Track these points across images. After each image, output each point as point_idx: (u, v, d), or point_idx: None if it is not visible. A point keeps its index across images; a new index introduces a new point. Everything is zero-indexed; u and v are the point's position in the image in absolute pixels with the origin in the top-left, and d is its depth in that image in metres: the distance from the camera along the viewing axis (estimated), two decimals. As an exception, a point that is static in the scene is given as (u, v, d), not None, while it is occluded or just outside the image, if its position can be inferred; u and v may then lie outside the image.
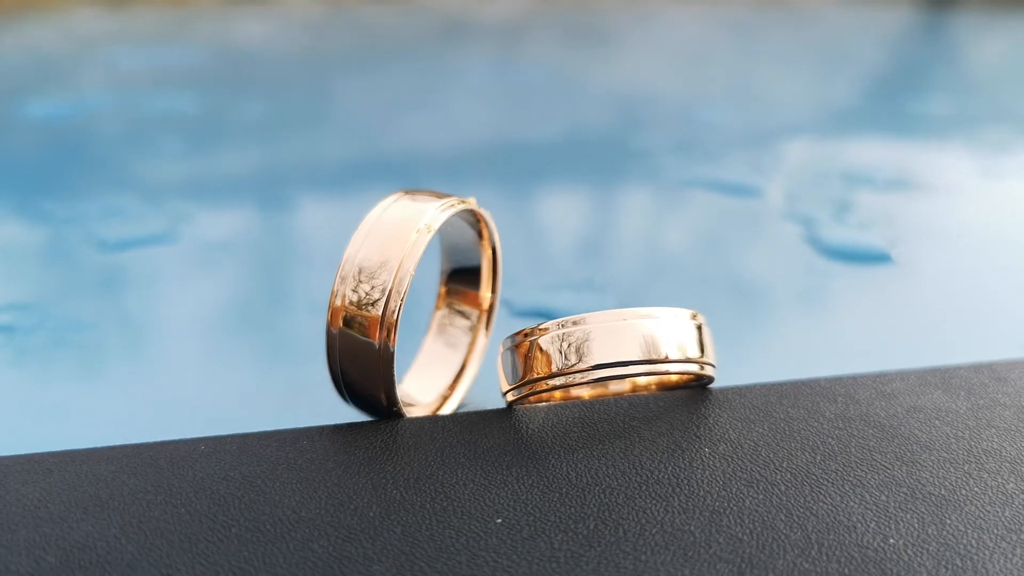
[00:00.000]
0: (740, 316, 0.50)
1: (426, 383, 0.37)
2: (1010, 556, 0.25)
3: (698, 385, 0.34)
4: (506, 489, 0.28)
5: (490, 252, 0.36)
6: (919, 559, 0.25)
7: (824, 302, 0.53)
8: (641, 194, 0.76)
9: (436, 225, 0.30)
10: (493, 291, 0.37)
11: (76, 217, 0.63)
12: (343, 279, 0.30)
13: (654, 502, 0.27)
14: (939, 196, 0.71)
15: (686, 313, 0.32)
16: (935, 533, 0.26)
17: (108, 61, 1.22)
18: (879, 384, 0.34)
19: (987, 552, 0.25)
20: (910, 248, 0.57)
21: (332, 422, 0.32)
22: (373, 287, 0.30)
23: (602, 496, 0.28)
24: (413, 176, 0.77)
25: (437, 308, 0.38)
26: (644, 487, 0.28)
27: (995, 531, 0.26)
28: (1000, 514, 0.27)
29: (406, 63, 1.23)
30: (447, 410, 0.36)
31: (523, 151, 0.86)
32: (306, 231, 0.68)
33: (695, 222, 0.68)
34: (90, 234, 0.59)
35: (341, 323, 0.30)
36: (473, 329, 0.37)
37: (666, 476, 0.29)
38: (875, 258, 0.55)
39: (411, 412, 0.33)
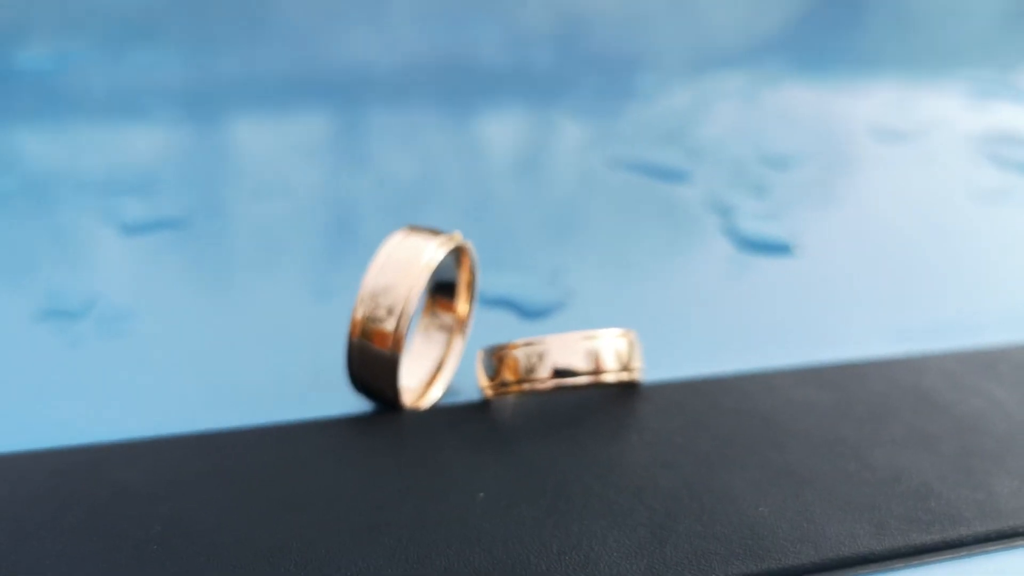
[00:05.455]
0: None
1: (412, 371, 0.46)
2: (843, 521, 0.36)
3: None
4: (487, 471, 0.38)
5: (467, 274, 0.45)
6: (779, 524, 0.36)
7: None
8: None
9: (435, 263, 0.39)
10: (470, 303, 0.46)
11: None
12: (362, 300, 0.39)
13: (595, 480, 0.37)
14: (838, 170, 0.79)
15: (619, 331, 0.41)
16: (792, 504, 0.37)
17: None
18: (767, 380, 0.45)
19: (827, 519, 0.36)
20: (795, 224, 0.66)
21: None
22: (387, 308, 0.39)
23: (557, 475, 0.38)
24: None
25: (423, 316, 0.47)
26: (588, 468, 0.38)
27: (835, 503, 0.37)
28: (840, 490, 0.38)
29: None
30: (433, 395, 0.45)
31: (465, 70, 0.92)
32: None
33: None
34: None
35: (359, 333, 0.39)
36: (451, 332, 0.47)
37: (605, 459, 0.39)
38: (778, 247, 0.65)
39: (401, 394, 0.42)
